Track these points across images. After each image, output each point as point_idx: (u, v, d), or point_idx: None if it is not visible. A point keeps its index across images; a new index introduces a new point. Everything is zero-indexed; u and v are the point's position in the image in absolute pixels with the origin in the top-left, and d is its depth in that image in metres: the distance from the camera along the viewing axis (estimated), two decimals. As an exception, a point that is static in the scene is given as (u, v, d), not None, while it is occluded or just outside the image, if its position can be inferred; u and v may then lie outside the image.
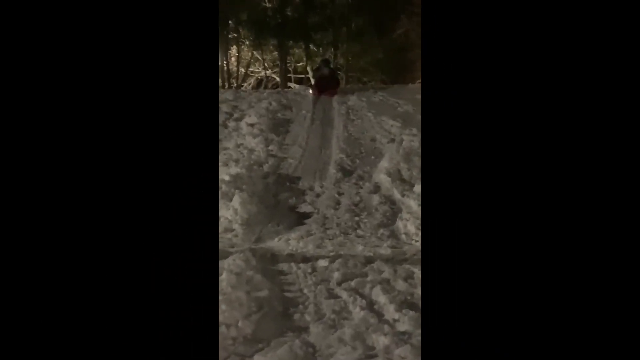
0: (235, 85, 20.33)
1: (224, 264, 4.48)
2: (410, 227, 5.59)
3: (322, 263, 4.63)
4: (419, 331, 3.38)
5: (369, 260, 4.65)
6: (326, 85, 10.96)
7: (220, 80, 20.62)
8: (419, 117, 9.05)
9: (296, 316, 3.78)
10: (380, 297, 3.95)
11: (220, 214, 5.93)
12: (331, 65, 12.15)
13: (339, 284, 4.24)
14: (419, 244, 5.20)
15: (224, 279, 4.11)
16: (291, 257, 4.85)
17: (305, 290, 4.19)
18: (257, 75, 22.36)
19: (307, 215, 6.13)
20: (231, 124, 9.08)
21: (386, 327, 3.47)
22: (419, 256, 4.77)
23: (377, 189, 6.61)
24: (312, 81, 11.67)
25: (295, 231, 5.67)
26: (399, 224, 5.74)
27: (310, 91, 11.09)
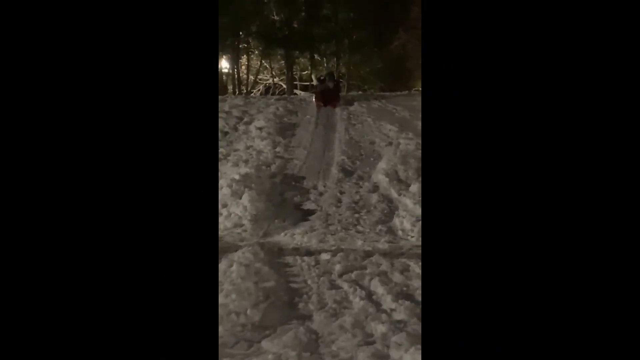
0: (245, 91, 20.36)
1: (234, 257, 4.48)
2: (406, 223, 5.59)
3: (325, 256, 4.63)
4: (415, 320, 3.38)
5: (368, 254, 4.64)
6: (329, 97, 10.63)
7: (231, 87, 20.65)
8: (415, 122, 9.06)
9: (300, 305, 3.78)
10: (378, 288, 3.94)
11: (230, 210, 5.94)
12: (335, 78, 11.82)
13: (340, 275, 4.24)
14: (414, 240, 5.20)
15: (234, 270, 4.11)
16: (296, 251, 4.85)
17: (309, 282, 4.19)
18: (265, 82, 22.37)
19: (311, 212, 6.13)
20: (241, 127, 9.09)
21: (384, 316, 3.46)
22: (415, 251, 4.77)
23: (375, 188, 6.61)
24: (315, 94, 11.21)
25: (299, 227, 5.67)
26: (396, 221, 5.73)
27: (314, 100, 10.84)
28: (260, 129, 8.87)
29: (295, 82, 21.47)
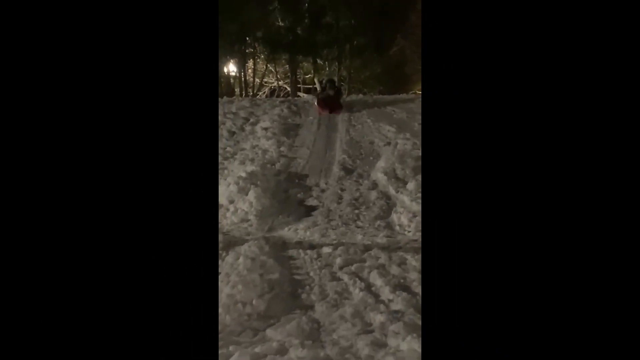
0: (251, 94, 20.39)
1: (241, 250, 4.49)
2: (403, 219, 5.58)
3: (326, 250, 4.63)
4: (411, 310, 3.38)
5: (367, 248, 4.64)
6: (331, 104, 10.15)
7: (238, 90, 20.66)
8: (412, 123, 9.04)
9: (303, 296, 3.79)
10: (377, 280, 3.94)
11: (237, 206, 5.94)
12: (336, 85, 11.02)
13: (341, 268, 4.24)
14: (411, 234, 5.21)
15: (241, 263, 4.12)
16: (299, 245, 4.86)
17: (311, 274, 4.19)
18: (270, 85, 22.37)
19: (313, 208, 6.13)
20: (247, 127, 9.08)
21: (382, 307, 3.46)
22: (412, 245, 4.78)
23: (374, 185, 6.60)
24: (317, 101, 10.51)
25: (303, 222, 5.67)
26: (394, 216, 5.73)
27: (316, 106, 10.33)
28: (265, 129, 8.87)
29: (298, 85, 21.47)
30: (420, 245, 4.72)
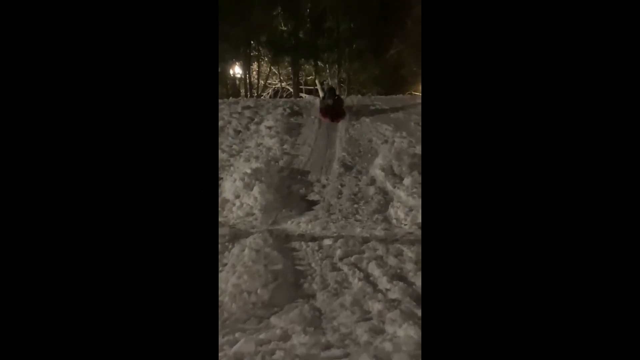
0: (255, 94, 20.41)
1: (246, 242, 4.49)
2: (400, 213, 5.58)
3: (327, 242, 4.63)
4: (407, 299, 3.39)
5: (365, 240, 4.64)
6: (332, 113, 9.58)
7: (243, 91, 20.67)
8: (408, 122, 9.03)
9: (305, 286, 3.79)
10: (375, 270, 3.95)
11: (242, 201, 5.94)
12: (336, 95, 10.24)
13: (341, 259, 4.24)
14: (407, 227, 5.20)
15: (246, 254, 4.12)
16: (301, 237, 4.85)
17: (313, 265, 4.19)
18: (274, 86, 22.36)
19: (314, 203, 6.12)
20: (252, 126, 9.06)
21: (379, 295, 3.47)
22: (408, 237, 4.77)
23: (372, 181, 6.59)
24: (320, 110, 9.86)
25: (305, 216, 5.67)
26: (391, 210, 5.72)
27: (319, 115, 9.76)
28: (269, 128, 8.85)
29: (301, 87, 21.47)
30: (415, 238, 4.73)
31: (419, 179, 6.20)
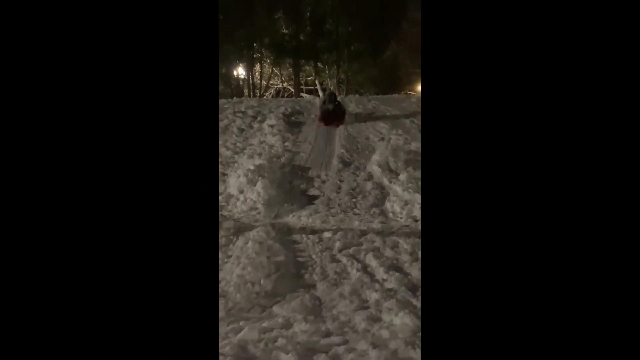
0: (258, 94, 20.40)
1: (250, 235, 4.49)
2: (396, 207, 5.57)
3: (327, 235, 4.62)
4: (403, 288, 3.38)
5: (363, 233, 4.63)
6: (331, 118, 8.94)
7: (246, 91, 20.66)
8: (404, 120, 9.03)
9: (306, 276, 3.79)
10: (372, 261, 3.94)
11: (246, 196, 5.94)
12: (336, 100, 9.50)
13: (340, 251, 4.24)
14: (403, 220, 5.20)
15: (250, 247, 4.12)
16: (302, 230, 4.85)
17: (313, 256, 4.18)
18: (276, 86, 22.37)
19: (315, 197, 6.13)
20: (255, 125, 9.05)
21: (377, 285, 3.47)
22: (404, 230, 4.77)
23: (370, 177, 6.59)
24: (320, 114, 9.17)
25: (305, 210, 5.66)
26: (387, 204, 5.72)
27: (317, 120, 9.13)
28: (271, 126, 8.84)
29: (301, 87, 21.48)
30: (411, 230, 4.73)
31: (415, 174, 6.20)
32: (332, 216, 5.37)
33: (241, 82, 21.45)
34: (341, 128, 8.78)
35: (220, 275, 3.70)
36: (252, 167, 6.43)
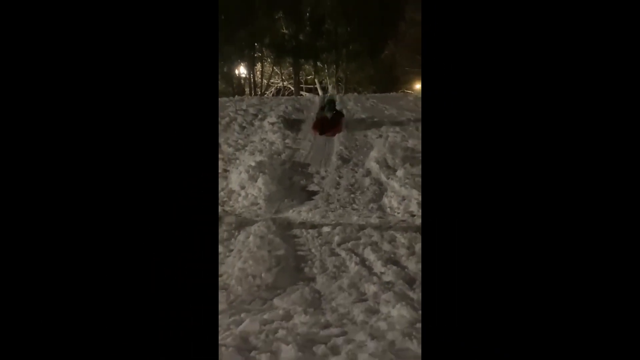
0: (259, 93, 20.39)
1: (251, 230, 4.49)
2: (393, 202, 5.57)
3: (326, 229, 4.62)
4: (400, 281, 3.38)
5: (361, 228, 4.64)
6: (328, 126, 7.92)
7: (248, 89, 20.64)
8: (401, 118, 9.00)
9: (306, 269, 3.79)
10: (370, 255, 3.94)
11: (248, 191, 5.93)
12: (335, 108, 8.38)
13: (339, 245, 4.24)
14: (400, 215, 5.20)
15: (251, 241, 4.12)
16: (302, 225, 4.85)
17: (313, 250, 4.19)
18: (276, 85, 22.34)
19: (314, 193, 6.12)
20: (256, 123, 9.03)
21: (374, 278, 3.47)
22: (401, 224, 4.77)
23: (368, 173, 6.58)
24: (315, 121, 8.18)
25: (305, 205, 5.66)
26: (385, 200, 5.71)
27: (311, 128, 8.21)
28: (272, 124, 8.82)
29: (301, 85, 21.47)
30: (408, 225, 4.73)
31: (411, 170, 6.19)
32: (331, 211, 5.36)
33: (242, 81, 21.42)
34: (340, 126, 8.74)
35: (223, 268, 3.70)
36: (253, 164, 6.42)
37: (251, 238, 4.19)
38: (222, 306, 3.09)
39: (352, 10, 19.79)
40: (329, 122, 8.06)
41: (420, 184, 5.74)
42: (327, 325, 2.80)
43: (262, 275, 3.51)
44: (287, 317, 2.91)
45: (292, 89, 21.17)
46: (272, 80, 22.28)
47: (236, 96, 13.01)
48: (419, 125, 8.42)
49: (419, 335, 2.55)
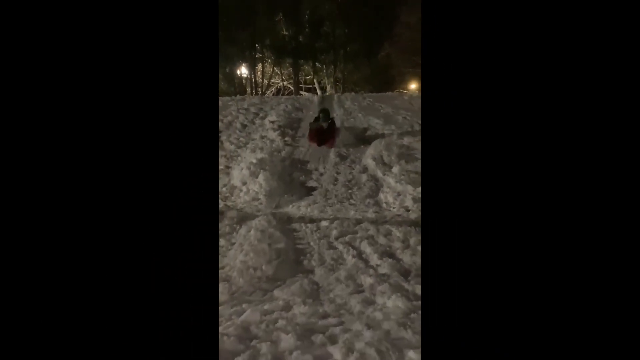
0: (260, 92, 20.35)
1: (252, 224, 4.49)
2: (389, 198, 5.57)
3: (324, 223, 4.62)
4: (396, 273, 3.39)
5: (358, 222, 4.64)
6: (323, 137, 7.45)
7: (249, 89, 20.60)
8: (396, 117, 9.00)
9: (305, 262, 3.79)
10: (366, 248, 3.94)
11: (249, 187, 5.93)
12: (330, 117, 7.73)
13: (337, 238, 4.24)
14: (395, 210, 5.20)
15: (252, 235, 4.11)
16: (301, 219, 4.85)
17: (312, 243, 4.19)
18: (276, 85, 22.32)
19: (313, 189, 6.12)
20: (257, 121, 9.03)
21: (371, 271, 3.47)
22: (396, 219, 4.77)
23: (365, 169, 6.58)
24: (310, 132, 7.65)
25: (304, 200, 5.66)
26: (381, 195, 5.72)
27: (308, 139, 7.69)
28: (272, 122, 8.82)
29: (300, 85, 21.44)
30: (403, 219, 4.73)
31: (407, 167, 6.19)
32: (329, 206, 5.36)
33: (244, 81, 21.39)
34: (338, 124, 8.73)
35: (225, 261, 3.70)
36: (254, 161, 6.42)
37: (252, 232, 4.19)
38: (224, 297, 3.10)
39: (349, 13, 19.77)
40: (326, 132, 7.54)
41: (415, 180, 5.75)
42: (325, 316, 2.80)
43: (263, 267, 3.51)
44: (287, 307, 2.92)
45: (292, 88, 21.15)
46: (272, 80, 22.26)
47: (238, 96, 12.99)
48: (414, 123, 8.43)
49: (414, 325, 2.56)
